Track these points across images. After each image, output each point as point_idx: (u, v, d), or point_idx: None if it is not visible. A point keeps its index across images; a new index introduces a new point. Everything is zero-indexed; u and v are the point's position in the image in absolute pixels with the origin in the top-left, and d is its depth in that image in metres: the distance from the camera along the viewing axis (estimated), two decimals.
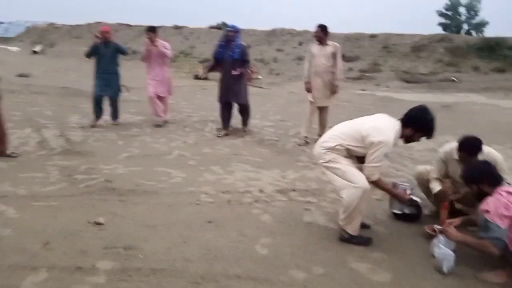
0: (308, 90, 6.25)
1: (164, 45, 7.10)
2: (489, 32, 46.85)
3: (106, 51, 6.84)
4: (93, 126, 6.78)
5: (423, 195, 3.84)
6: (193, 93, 12.20)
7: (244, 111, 6.86)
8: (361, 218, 3.11)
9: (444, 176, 3.53)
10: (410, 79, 16.59)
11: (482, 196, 2.85)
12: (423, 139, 3.21)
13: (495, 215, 2.65)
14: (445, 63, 18.14)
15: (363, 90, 14.30)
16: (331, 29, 6.39)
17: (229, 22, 28.32)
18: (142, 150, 5.59)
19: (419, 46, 19.84)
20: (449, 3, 52.35)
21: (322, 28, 6.16)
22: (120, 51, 7.05)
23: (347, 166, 3.07)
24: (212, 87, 14.47)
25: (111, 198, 3.85)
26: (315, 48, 6.22)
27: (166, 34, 26.85)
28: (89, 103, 7.25)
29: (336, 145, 3.09)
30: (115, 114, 7.19)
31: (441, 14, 52.89)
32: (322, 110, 6.37)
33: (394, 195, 3.30)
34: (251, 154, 5.63)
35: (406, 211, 3.57)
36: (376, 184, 3.08)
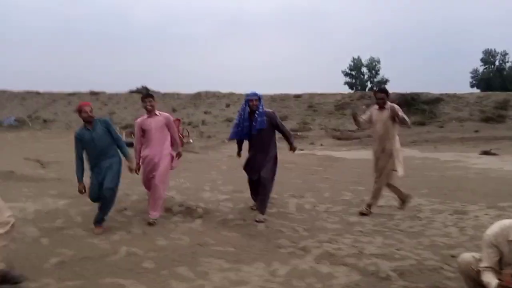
0: None
1: (166, 116, 5.42)
2: (390, 88, 51.39)
3: None
4: None
5: None
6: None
7: (263, 188, 5.45)
8: None
9: (497, 265, 2.82)
10: (341, 136, 16.85)
11: None
12: None
13: None
14: None
15: (302, 149, 13.99)
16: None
17: (150, 85, 27.55)
18: (77, 251, 4.25)
19: (342, 104, 20.60)
20: (352, 64, 57.23)
21: (386, 92, 5.75)
22: None
23: None
24: None
25: None
26: (374, 112, 5.73)
27: (82, 100, 25.12)
28: None
29: None
30: None
31: (346, 74, 57.50)
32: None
33: None
34: (219, 242, 4.57)
35: None
36: None
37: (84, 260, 4.02)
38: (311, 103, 20.81)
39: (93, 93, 25.58)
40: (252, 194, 5.91)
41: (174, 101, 22.32)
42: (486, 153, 11.85)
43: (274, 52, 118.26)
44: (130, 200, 6.49)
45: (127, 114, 21.58)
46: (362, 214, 5.61)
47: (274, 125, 5.55)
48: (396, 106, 5.53)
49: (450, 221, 5.34)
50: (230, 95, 22.45)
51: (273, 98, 21.60)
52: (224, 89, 23.43)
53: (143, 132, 5.28)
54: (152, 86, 26.48)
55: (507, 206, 5.98)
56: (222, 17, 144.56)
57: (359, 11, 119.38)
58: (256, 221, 5.24)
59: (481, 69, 49.31)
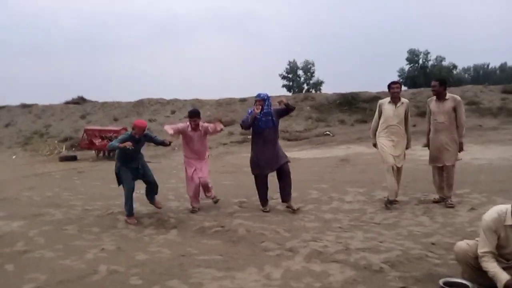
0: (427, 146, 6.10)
1: (204, 126, 6.23)
2: (325, 89, 53.48)
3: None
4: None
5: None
6: (69, 179, 10.17)
7: (287, 175, 5.88)
8: None
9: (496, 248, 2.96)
10: (290, 137, 17.08)
11: None
12: None
13: None
14: (315, 119, 19.35)
15: None
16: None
17: (87, 96, 26.09)
18: (50, 275, 3.91)
19: None
20: (288, 67, 58.57)
21: (441, 83, 5.80)
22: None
23: None
24: (88, 168, 12.42)
25: None
26: (433, 104, 5.90)
27: (12, 114, 23.32)
28: None
29: None
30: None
31: (284, 77, 58.72)
32: (445, 168, 5.85)
33: None
34: (203, 251, 4.42)
35: None
36: None
37: (62, 283, 3.71)
38: None
39: (25, 106, 23.79)
40: (261, 194, 5.99)
41: (114, 110, 21.40)
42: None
43: (212, 56, 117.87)
44: (93, 216, 6.12)
45: (64, 126, 20.34)
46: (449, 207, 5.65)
47: (280, 113, 5.90)
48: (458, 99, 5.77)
49: (419, 210, 5.60)
50: (175, 101, 21.93)
51: (219, 103, 21.44)
52: (167, 96, 22.91)
53: (185, 138, 6.17)
54: (89, 96, 25.19)
55: (464, 193, 6.40)
56: (153, 21, 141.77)
57: (292, 15, 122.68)
58: (295, 209, 5.76)
59: (406, 68, 52.57)
